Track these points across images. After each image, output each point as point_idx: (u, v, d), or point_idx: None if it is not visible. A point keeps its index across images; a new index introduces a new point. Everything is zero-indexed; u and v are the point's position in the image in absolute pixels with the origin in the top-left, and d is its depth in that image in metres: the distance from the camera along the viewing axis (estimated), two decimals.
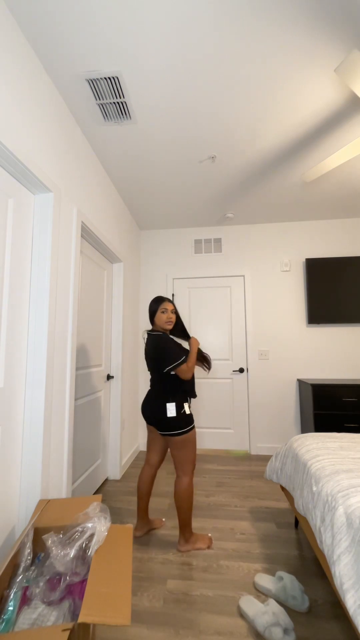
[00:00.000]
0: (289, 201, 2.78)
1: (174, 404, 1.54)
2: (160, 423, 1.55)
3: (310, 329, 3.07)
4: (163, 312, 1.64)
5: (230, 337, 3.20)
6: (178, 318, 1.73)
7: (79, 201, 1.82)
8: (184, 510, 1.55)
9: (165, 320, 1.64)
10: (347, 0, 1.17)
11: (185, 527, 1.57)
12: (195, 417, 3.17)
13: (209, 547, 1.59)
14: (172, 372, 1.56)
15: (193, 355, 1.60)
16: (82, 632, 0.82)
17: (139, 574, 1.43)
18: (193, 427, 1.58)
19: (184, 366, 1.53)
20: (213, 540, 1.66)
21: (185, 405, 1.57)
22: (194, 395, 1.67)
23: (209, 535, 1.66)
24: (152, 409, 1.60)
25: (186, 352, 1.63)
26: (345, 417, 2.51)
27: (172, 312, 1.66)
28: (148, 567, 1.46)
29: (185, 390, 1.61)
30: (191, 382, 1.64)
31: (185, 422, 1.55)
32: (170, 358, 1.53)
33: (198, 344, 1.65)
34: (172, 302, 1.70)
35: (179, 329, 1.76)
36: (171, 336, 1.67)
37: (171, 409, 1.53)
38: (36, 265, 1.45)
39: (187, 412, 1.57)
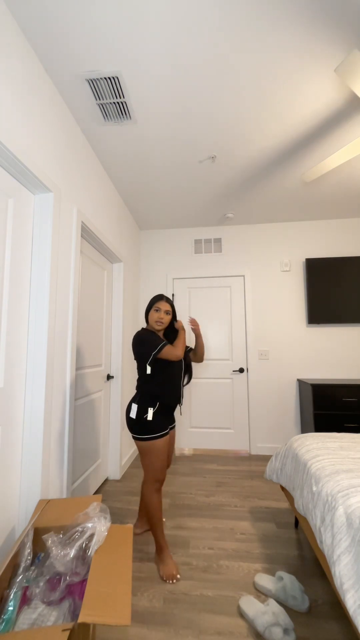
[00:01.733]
0: (289, 201, 2.78)
1: (137, 406, 1.48)
2: (126, 420, 1.53)
3: (310, 329, 3.07)
4: (156, 310, 1.56)
5: (230, 337, 3.19)
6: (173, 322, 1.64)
7: (79, 201, 1.82)
8: (149, 517, 1.47)
9: (155, 319, 1.55)
10: (347, 1, 1.17)
11: (154, 534, 1.47)
12: (195, 417, 3.17)
13: (165, 580, 1.37)
14: (159, 357, 1.46)
15: (181, 338, 1.54)
16: (82, 632, 0.82)
17: (139, 574, 1.43)
18: (152, 438, 1.44)
19: (167, 347, 1.44)
20: (214, 539, 1.65)
21: (150, 411, 1.45)
22: (165, 401, 1.50)
23: (175, 573, 1.39)
24: (127, 407, 1.57)
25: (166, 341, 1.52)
26: (345, 417, 2.50)
27: (165, 313, 1.56)
28: (148, 567, 1.46)
29: (155, 395, 1.49)
30: (164, 387, 1.51)
31: (142, 428, 1.45)
32: (152, 345, 1.45)
33: (184, 330, 1.59)
34: (170, 302, 1.60)
35: (173, 334, 1.65)
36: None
37: (133, 410, 1.48)
38: (36, 265, 1.45)
39: (149, 418, 1.44)
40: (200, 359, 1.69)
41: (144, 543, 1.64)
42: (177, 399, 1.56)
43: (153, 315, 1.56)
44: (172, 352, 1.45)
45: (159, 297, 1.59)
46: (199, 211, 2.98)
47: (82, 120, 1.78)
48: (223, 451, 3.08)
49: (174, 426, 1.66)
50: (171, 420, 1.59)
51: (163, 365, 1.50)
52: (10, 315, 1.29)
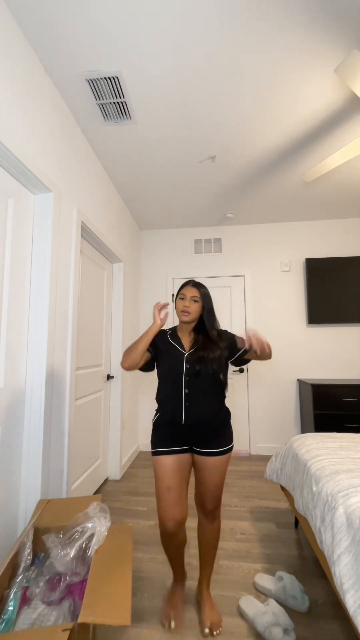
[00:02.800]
0: (289, 201, 2.78)
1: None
2: None
3: (310, 329, 3.07)
4: (181, 298, 1.25)
5: None
6: (209, 315, 1.26)
7: (79, 201, 1.82)
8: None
9: (180, 309, 1.23)
10: (347, 1, 1.17)
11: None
12: None
13: (166, 624, 1.15)
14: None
15: (140, 339, 1.19)
16: (82, 632, 0.82)
17: (139, 574, 1.42)
18: (155, 453, 1.18)
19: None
20: None
21: (156, 416, 1.25)
22: (161, 412, 1.22)
23: (170, 621, 1.15)
24: None
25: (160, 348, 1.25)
26: (345, 417, 2.50)
27: (192, 300, 1.23)
28: (148, 567, 1.46)
29: (160, 399, 1.25)
30: (160, 394, 1.24)
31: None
32: None
33: (156, 326, 1.20)
34: (199, 286, 1.27)
35: (210, 328, 1.24)
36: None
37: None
38: (36, 265, 1.45)
39: (152, 424, 1.26)
40: (265, 357, 1.19)
41: (144, 543, 1.64)
42: (173, 414, 1.17)
43: (178, 305, 1.26)
44: (125, 354, 1.19)
45: (185, 283, 1.30)
46: (199, 211, 2.98)
47: (82, 120, 1.78)
48: None
49: (201, 453, 1.18)
50: (180, 441, 1.17)
51: (158, 363, 1.27)
52: (10, 315, 1.29)
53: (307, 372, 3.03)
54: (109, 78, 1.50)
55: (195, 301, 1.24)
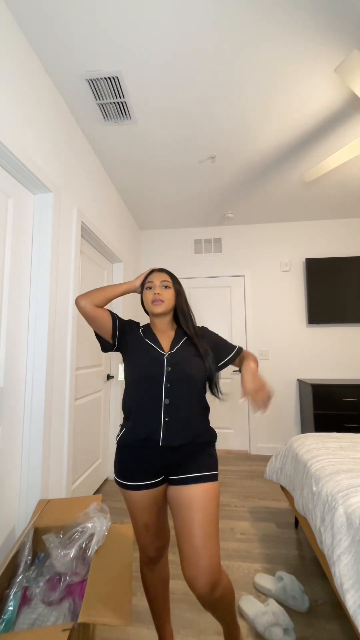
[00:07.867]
0: (289, 201, 2.78)
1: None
2: None
3: (310, 329, 3.07)
4: (149, 288, 1.04)
5: (230, 337, 3.19)
6: (183, 304, 1.06)
7: (79, 201, 1.82)
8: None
9: (150, 298, 1.02)
10: (347, 1, 1.17)
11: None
12: None
13: None
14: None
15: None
16: (82, 632, 0.82)
17: (139, 574, 1.42)
18: (124, 486, 0.93)
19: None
20: None
21: (122, 432, 0.97)
22: (129, 430, 0.94)
23: None
24: None
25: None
26: (345, 417, 2.50)
27: (162, 286, 1.02)
28: None
29: (124, 416, 1.00)
30: (130, 405, 0.96)
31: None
32: None
33: None
34: (168, 272, 1.07)
35: (186, 323, 1.04)
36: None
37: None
38: (36, 265, 1.45)
39: (115, 447, 0.98)
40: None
41: None
42: (148, 430, 0.90)
43: (147, 296, 1.04)
44: (89, 292, 0.99)
45: (150, 271, 1.07)
46: (199, 211, 2.98)
47: (82, 120, 1.78)
48: (223, 451, 3.07)
49: (179, 481, 0.90)
50: (154, 471, 0.91)
51: (127, 363, 1.01)
52: (10, 316, 1.29)
53: (307, 372, 3.03)
54: (109, 78, 1.50)
55: (166, 287, 1.03)
